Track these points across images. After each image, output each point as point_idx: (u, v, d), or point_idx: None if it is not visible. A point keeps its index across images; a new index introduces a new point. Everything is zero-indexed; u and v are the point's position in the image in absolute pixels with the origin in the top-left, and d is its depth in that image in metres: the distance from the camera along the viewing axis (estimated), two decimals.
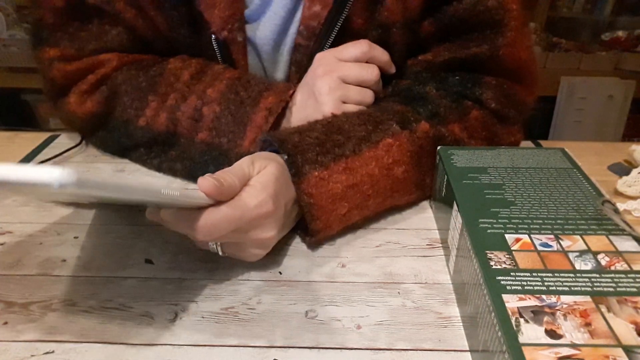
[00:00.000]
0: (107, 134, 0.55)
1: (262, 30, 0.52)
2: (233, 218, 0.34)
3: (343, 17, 0.49)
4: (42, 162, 0.56)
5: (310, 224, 0.40)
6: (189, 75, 0.51)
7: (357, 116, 0.45)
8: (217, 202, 0.34)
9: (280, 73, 0.56)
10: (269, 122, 0.47)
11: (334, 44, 0.50)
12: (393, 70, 0.52)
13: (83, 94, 0.53)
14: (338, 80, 0.48)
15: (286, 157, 0.40)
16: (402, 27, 0.50)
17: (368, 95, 0.49)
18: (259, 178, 0.37)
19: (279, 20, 0.52)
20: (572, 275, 0.31)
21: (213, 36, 0.51)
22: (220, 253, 0.38)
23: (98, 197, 0.32)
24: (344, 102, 0.48)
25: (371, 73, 0.49)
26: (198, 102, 0.50)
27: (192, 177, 0.51)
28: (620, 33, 1.78)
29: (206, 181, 0.32)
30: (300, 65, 0.53)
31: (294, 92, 0.50)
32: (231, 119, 0.48)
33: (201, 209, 0.33)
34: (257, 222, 0.36)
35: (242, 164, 0.37)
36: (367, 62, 0.49)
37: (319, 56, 0.49)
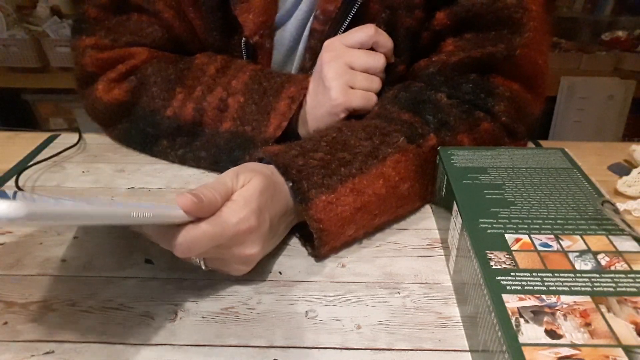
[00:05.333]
0: (130, 124, 0.55)
1: (285, 36, 0.54)
2: (213, 235, 0.32)
3: (360, 1, 0.48)
4: (41, 161, 0.56)
5: (318, 248, 0.40)
6: (215, 69, 0.53)
7: (362, 129, 0.44)
8: (198, 219, 0.32)
9: (295, 62, 0.57)
10: (292, 109, 0.49)
11: (349, 29, 0.50)
12: (392, 60, 0.51)
13: (111, 82, 0.54)
14: (345, 66, 0.47)
15: (291, 184, 0.39)
16: (406, 9, 0.49)
17: (375, 82, 0.49)
18: (242, 192, 0.35)
19: (300, 22, 0.53)
20: (572, 275, 0.31)
21: (243, 40, 0.52)
22: (203, 267, 0.37)
23: (68, 224, 0.30)
24: (352, 88, 0.47)
25: (377, 61, 0.49)
26: (223, 94, 0.51)
27: (217, 164, 0.51)
28: (620, 33, 1.77)
29: (184, 197, 0.31)
30: (314, 52, 0.53)
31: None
32: (255, 108, 0.50)
33: (181, 225, 0.31)
34: (239, 239, 0.34)
35: (226, 177, 0.36)
36: (372, 46, 0.49)
37: (326, 43, 0.49)
